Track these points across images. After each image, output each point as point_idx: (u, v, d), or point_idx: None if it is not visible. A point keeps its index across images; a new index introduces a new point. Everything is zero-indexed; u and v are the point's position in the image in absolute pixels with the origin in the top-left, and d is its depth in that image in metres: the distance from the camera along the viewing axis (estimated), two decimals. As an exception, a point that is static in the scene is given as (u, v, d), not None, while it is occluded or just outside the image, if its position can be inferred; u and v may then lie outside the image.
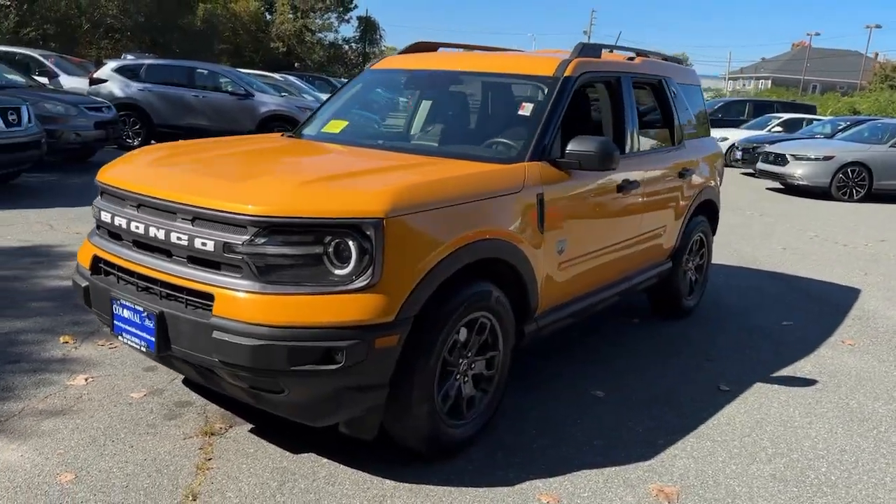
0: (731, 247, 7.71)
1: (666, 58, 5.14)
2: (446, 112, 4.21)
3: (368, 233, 2.49)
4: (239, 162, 3.31)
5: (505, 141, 3.58)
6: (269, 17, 48.23)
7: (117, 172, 3.07)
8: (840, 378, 4.21)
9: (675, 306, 5.09)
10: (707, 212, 5.29)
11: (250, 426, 3.20)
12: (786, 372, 4.28)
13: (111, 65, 13.97)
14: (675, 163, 4.67)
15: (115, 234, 2.94)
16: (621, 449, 3.19)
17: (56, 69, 14.41)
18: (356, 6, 53.14)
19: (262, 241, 2.47)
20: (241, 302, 2.49)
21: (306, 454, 2.98)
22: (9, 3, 22.39)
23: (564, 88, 3.64)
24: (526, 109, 3.61)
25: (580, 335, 4.60)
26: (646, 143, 4.48)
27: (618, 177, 3.89)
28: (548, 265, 3.38)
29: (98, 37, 27.82)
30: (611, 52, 4.49)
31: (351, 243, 2.49)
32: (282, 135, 4.23)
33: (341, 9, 51.97)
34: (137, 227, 2.78)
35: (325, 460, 2.94)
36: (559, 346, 4.36)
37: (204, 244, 2.57)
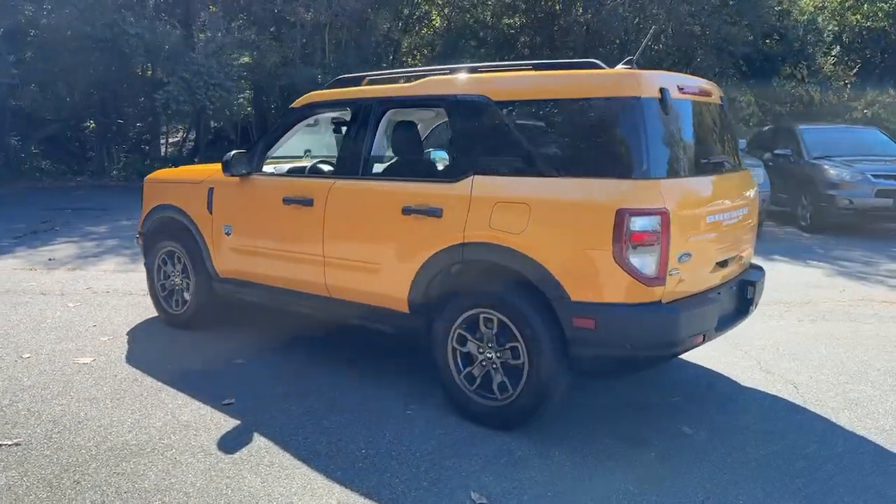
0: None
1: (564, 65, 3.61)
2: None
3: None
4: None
5: None
6: None
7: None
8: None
9: (445, 386, 3.73)
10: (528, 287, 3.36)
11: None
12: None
13: None
14: (398, 195, 3.82)
15: None
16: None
17: None
18: None
19: None
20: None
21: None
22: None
23: (283, 117, 4.67)
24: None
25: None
26: (381, 167, 4.07)
27: (283, 190, 4.28)
28: (217, 241, 4.82)
29: None
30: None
31: None
32: None
33: None
34: None
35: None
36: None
37: None
